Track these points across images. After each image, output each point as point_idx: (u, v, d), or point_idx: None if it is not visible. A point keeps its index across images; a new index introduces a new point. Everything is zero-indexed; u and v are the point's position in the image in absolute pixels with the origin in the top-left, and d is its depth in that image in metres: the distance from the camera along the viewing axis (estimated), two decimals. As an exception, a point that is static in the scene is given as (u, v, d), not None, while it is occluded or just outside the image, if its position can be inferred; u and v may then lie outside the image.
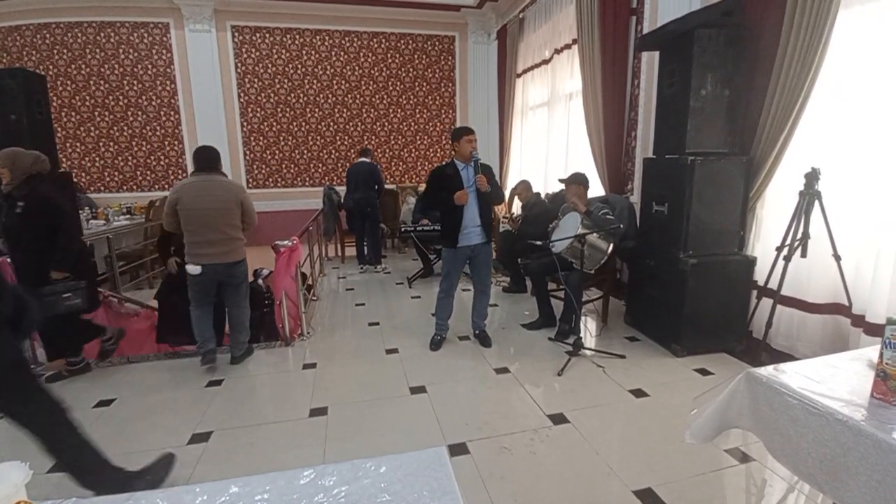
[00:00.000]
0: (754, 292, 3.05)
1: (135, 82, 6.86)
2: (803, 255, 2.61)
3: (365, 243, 5.84)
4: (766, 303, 2.84)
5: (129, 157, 7.05)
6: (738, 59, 2.87)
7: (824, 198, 2.52)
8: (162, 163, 7.11)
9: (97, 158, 6.99)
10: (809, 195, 2.55)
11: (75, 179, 6.61)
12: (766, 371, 1.33)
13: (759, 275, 3.00)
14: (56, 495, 0.90)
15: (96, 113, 6.85)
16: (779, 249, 2.73)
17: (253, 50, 7.10)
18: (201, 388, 2.81)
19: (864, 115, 2.49)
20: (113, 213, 6.10)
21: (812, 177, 2.53)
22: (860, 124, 2.51)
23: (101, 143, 6.95)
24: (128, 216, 6.28)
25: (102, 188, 7.04)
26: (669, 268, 3.06)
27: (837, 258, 2.49)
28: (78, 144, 6.90)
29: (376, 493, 0.87)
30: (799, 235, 2.60)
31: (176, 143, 7.10)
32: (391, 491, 0.88)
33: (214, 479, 0.95)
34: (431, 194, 3.24)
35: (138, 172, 7.07)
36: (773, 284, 2.77)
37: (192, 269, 2.90)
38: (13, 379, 1.68)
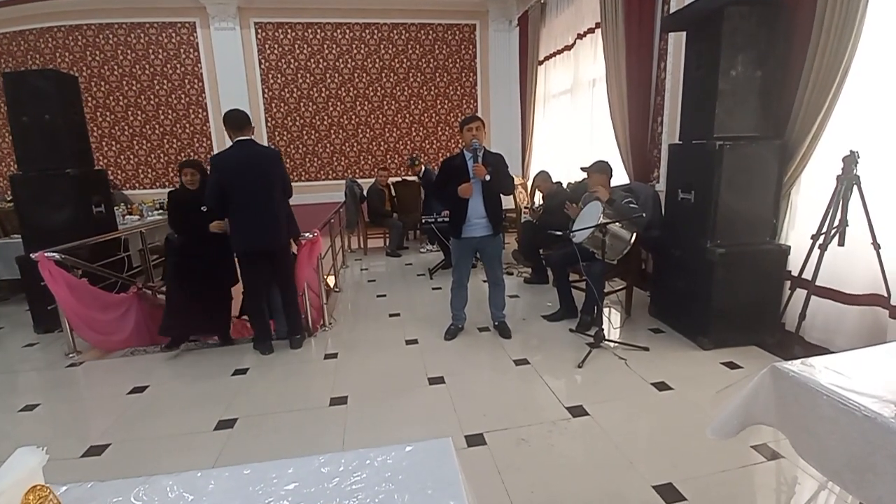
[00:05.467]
0: (788, 283, 2.91)
1: (164, 82, 7.06)
2: (840, 243, 2.46)
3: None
4: (800, 294, 2.71)
5: (161, 155, 7.30)
6: (770, 38, 2.71)
7: (864, 182, 2.37)
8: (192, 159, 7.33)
9: (131, 156, 7.26)
10: (847, 180, 2.40)
11: (111, 177, 6.89)
12: (793, 365, 1.27)
13: (794, 265, 2.86)
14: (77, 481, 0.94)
15: (129, 112, 7.10)
16: (814, 238, 2.59)
17: (276, 46, 7.19)
18: (227, 377, 2.90)
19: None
20: (147, 208, 6.34)
21: (850, 160, 2.38)
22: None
23: (134, 142, 7.21)
24: (160, 211, 6.51)
25: (137, 185, 7.31)
26: (696, 258, 2.96)
27: (877, 246, 2.34)
28: (113, 143, 7.18)
29: (380, 482, 0.88)
30: (836, 223, 2.46)
31: (204, 139, 7.30)
32: (395, 480, 0.88)
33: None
34: (439, 186, 3.23)
35: (170, 169, 7.30)
36: (807, 275, 2.63)
37: None
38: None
